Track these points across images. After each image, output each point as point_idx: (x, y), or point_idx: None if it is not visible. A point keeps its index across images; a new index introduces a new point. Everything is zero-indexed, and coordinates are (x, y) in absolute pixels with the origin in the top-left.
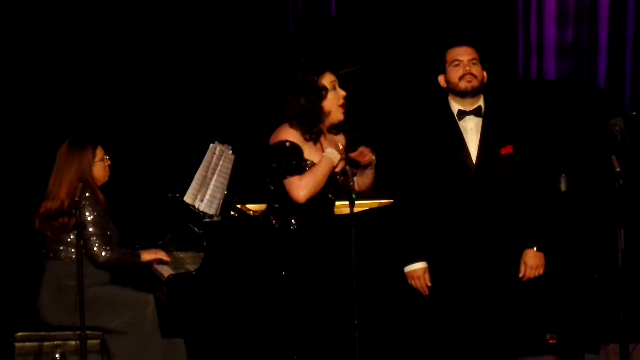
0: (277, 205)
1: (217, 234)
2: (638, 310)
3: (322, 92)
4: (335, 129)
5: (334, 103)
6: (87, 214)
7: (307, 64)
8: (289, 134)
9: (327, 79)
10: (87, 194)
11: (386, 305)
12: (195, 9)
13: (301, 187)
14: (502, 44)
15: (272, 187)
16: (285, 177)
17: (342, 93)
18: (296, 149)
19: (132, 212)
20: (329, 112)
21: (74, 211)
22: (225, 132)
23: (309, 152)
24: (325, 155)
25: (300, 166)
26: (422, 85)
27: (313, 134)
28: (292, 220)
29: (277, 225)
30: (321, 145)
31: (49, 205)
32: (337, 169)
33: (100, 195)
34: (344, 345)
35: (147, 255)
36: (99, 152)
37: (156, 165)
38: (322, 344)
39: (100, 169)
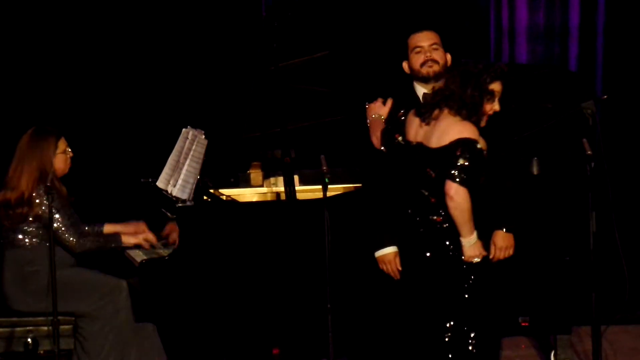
0: (434, 200)
1: (190, 219)
2: (609, 292)
3: (487, 95)
4: None
5: (487, 110)
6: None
7: (489, 64)
8: (475, 133)
9: (496, 87)
10: (49, 185)
11: (360, 289)
12: None
13: (455, 194)
14: (474, 28)
15: (432, 175)
16: (458, 178)
17: (496, 108)
18: (480, 157)
19: (105, 197)
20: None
21: (48, 196)
22: (198, 116)
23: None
24: (470, 244)
25: (472, 178)
26: (390, 70)
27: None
28: (436, 218)
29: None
30: None
31: (8, 194)
32: None
33: (61, 187)
34: (317, 330)
35: (129, 239)
36: (62, 144)
37: (129, 151)
38: (300, 330)
39: (61, 161)
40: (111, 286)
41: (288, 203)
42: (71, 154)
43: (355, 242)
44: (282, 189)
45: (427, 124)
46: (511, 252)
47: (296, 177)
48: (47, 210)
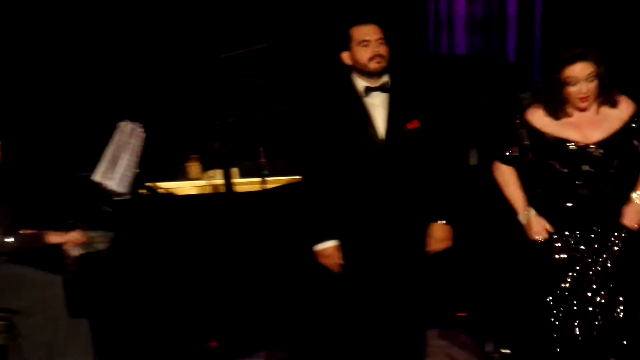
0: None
1: (128, 212)
2: None
3: (562, 83)
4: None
5: (569, 96)
6: None
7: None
8: (534, 115)
9: (572, 72)
10: None
11: (302, 282)
12: None
13: (497, 172)
14: (412, 20)
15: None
16: (497, 156)
17: (577, 90)
18: (524, 135)
19: (41, 192)
20: (567, 101)
21: None
22: (136, 109)
23: (559, 129)
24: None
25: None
26: (326, 61)
27: (557, 116)
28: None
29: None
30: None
31: None
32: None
33: None
34: (257, 322)
35: (54, 238)
36: None
37: (64, 145)
38: (239, 322)
39: None
40: (45, 282)
41: (226, 196)
42: None
43: (295, 234)
44: (220, 181)
45: None
46: (449, 243)
47: (235, 170)
48: None
